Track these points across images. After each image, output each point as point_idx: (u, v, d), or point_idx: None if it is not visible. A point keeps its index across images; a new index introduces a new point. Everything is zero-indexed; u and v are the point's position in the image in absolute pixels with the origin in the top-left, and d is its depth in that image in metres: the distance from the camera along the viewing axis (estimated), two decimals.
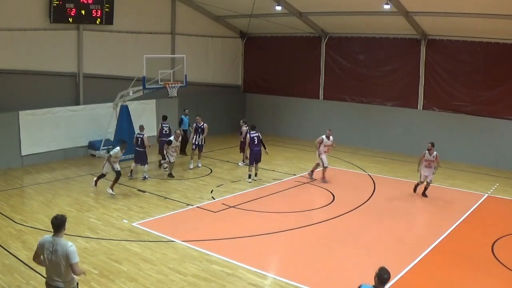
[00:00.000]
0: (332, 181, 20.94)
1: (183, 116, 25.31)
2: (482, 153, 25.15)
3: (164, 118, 23.22)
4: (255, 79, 34.36)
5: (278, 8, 25.98)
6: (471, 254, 13.71)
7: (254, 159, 20.60)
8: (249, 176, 20.58)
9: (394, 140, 28.10)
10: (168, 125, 22.84)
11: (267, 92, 33.41)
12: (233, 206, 17.07)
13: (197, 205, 17.11)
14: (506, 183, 21.81)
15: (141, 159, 20.57)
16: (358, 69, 29.62)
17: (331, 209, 17.32)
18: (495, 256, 13.53)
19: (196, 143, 22.54)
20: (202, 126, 22.68)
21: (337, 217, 16.40)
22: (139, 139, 20.48)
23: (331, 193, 19.18)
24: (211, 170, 22.26)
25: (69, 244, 7.91)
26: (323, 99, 31.29)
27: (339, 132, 26.11)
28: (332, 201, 18.24)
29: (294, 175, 22.06)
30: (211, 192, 18.61)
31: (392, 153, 27.08)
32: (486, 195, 20.06)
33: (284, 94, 32.55)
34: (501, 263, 13.02)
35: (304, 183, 20.81)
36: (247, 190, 19.27)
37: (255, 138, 20.70)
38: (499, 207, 18.96)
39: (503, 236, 15.09)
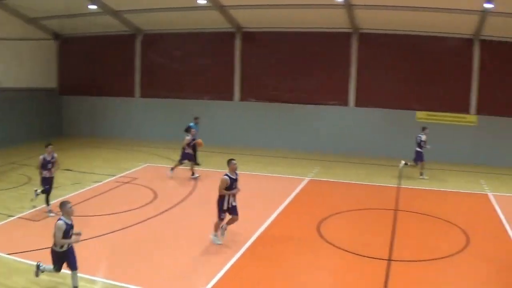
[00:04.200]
0: (153, 179, 20.80)
1: (191, 124, 23.62)
2: (302, 139, 26.83)
3: None
4: (71, 81, 32.72)
5: (92, 7, 25.12)
6: (298, 236, 14.43)
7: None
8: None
9: (210, 132, 28.45)
10: None
11: (85, 94, 32.11)
12: (55, 214, 16.22)
13: (18, 216, 16.03)
14: (325, 166, 23.30)
15: None
16: (174, 65, 29.81)
17: (154, 207, 17.09)
18: (321, 236, 14.41)
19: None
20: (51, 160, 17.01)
21: (161, 213, 16.27)
22: None
23: (153, 191, 19.00)
24: (30, 178, 20.94)
25: None
26: (140, 97, 31.02)
27: (157, 129, 26.04)
28: (154, 199, 18.05)
29: (114, 175, 21.55)
30: (31, 200, 17.50)
31: (214, 146, 27.55)
32: (308, 179, 21.39)
33: (101, 94, 31.63)
34: (327, 241, 13.92)
35: (125, 183, 20.43)
36: (68, 196, 18.37)
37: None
38: (321, 189, 20.37)
39: (329, 216, 16.19)
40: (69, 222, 10.40)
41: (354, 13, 24.97)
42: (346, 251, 13.27)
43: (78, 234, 10.54)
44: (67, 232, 10.34)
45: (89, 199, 18.01)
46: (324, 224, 15.47)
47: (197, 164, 22.72)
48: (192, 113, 27.73)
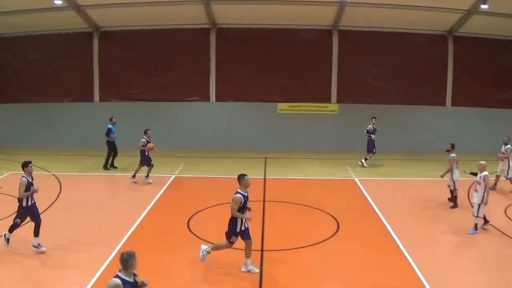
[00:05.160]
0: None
1: (110, 126, 22.47)
2: (166, 137, 26.04)
3: None
4: None
5: None
6: (169, 233, 13.96)
7: None
8: None
9: (68, 135, 27.45)
10: None
11: None
12: None
13: None
14: (191, 162, 22.92)
15: None
16: (31, 68, 27.71)
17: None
18: (191, 231, 14.01)
19: None
20: None
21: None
22: None
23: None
24: None
25: None
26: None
27: (19, 136, 24.48)
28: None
29: None
30: None
31: (72, 149, 26.19)
32: (174, 176, 20.87)
33: None
34: (199, 236, 13.50)
35: None
36: None
37: None
38: (188, 185, 19.98)
39: (198, 212, 15.80)
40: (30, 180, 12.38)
41: (211, 8, 24.83)
42: None
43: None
44: (28, 188, 12.27)
45: None
46: (194, 220, 15.08)
47: (114, 168, 22.37)
48: (54, 117, 26.25)
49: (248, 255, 11.46)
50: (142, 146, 20.07)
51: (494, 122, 27.70)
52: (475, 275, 11.69)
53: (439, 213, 16.47)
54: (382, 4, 24.28)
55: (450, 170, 16.79)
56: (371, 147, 23.38)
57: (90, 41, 27.08)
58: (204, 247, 11.65)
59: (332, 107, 27.54)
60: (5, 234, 12.27)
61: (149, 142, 20.12)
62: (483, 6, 23.12)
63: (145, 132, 20.44)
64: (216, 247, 11.64)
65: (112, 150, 22.41)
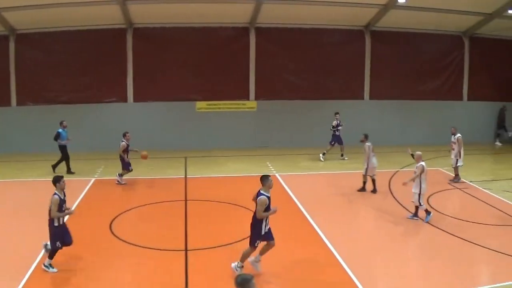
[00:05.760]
0: None
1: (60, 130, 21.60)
2: (85, 139, 25.73)
3: None
4: None
5: None
6: (92, 237, 13.78)
7: None
8: None
9: None
10: None
11: None
12: None
13: None
14: (110, 164, 22.71)
15: None
16: None
17: None
18: (114, 234, 14.02)
19: None
20: None
21: None
22: None
23: None
24: None
25: None
26: None
27: None
28: None
29: None
30: None
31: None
32: (94, 179, 20.70)
33: None
34: (122, 239, 13.57)
35: None
36: None
37: None
38: (108, 188, 19.79)
39: (120, 214, 15.82)
40: (62, 197, 11.56)
41: (127, 8, 24.66)
42: (142, 247, 13.02)
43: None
44: (61, 206, 11.44)
45: None
46: (116, 223, 15.07)
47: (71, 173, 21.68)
48: None
49: (263, 253, 11.49)
50: (122, 151, 19.79)
51: (413, 114, 29.42)
52: (399, 263, 12.40)
53: (361, 203, 17.46)
54: (299, 1, 25.00)
55: (367, 159, 18.22)
56: (333, 141, 24.43)
57: (6, 44, 26.14)
58: (234, 265, 11.41)
59: (251, 104, 28.05)
60: (48, 265, 11.47)
61: (129, 145, 20.00)
62: (400, 1, 24.23)
63: (124, 135, 20.20)
64: (244, 257, 11.41)
65: (63, 154, 21.82)
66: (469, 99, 30.64)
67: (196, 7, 24.75)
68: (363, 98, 29.38)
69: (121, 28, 26.72)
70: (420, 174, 15.16)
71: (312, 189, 19.56)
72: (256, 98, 28.18)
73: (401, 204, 16.92)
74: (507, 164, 24.70)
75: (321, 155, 24.73)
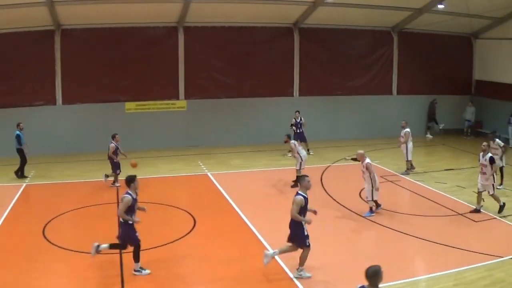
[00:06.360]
0: None
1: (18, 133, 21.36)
2: (11, 144, 25.02)
3: None
4: None
5: None
6: (25, 244, 13.82)
7: None
8: None
9: None
10: None
11: None
12: None
13: None
14: (41, 168, 22.47)
15: None
16: None
17: None
18: (48, 240, 14.04)
19: None
20: None
21: None
22: None
23: None
24: None
25: None
26: None
27: None
28: None
29: None
30: None
31: None
32: (25, 184, 20.46)
33: None
34: (56, 244, 13.65)
35: None
36: None
37: None
38: (40, 192, 19.64)
39: (53, 219, 15.81)
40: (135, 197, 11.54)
41: (55, 9, 24.24)
42: (76, 251, 13.18)
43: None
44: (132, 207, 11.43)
45: None
46: (50, 228, 15.09)
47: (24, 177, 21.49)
48: None
49: (283, 252, 11.62)
50: (112, 153, 19.67)
51: (344, 109, 30.37)
52: (330, 256, 12.98)
53: (291, 197, 17.76)
54: None
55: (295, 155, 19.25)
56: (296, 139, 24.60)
57: None
58: (298, 273, 11.46)
59: (180, 103, 28.17)
60: (142, 270, 11.76)
61: (118, 147, 19.93)
62: None
63: (113, 137, 20.01)
64: (303, 260, 11.37)
65: (22, 157, 21.40)
66: (398, 93, 31.75)
67: (125, 7, 24.67)
68: (292, 95, 29.99)
69: (49, 29, 26.18)
70: (371, 171, 15.62)
71: (244, 187, 20.15)
72: (186, 97, 28.37)
73: (331, 197, 17.63)
74: (437, 156, 25.98)
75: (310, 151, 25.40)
